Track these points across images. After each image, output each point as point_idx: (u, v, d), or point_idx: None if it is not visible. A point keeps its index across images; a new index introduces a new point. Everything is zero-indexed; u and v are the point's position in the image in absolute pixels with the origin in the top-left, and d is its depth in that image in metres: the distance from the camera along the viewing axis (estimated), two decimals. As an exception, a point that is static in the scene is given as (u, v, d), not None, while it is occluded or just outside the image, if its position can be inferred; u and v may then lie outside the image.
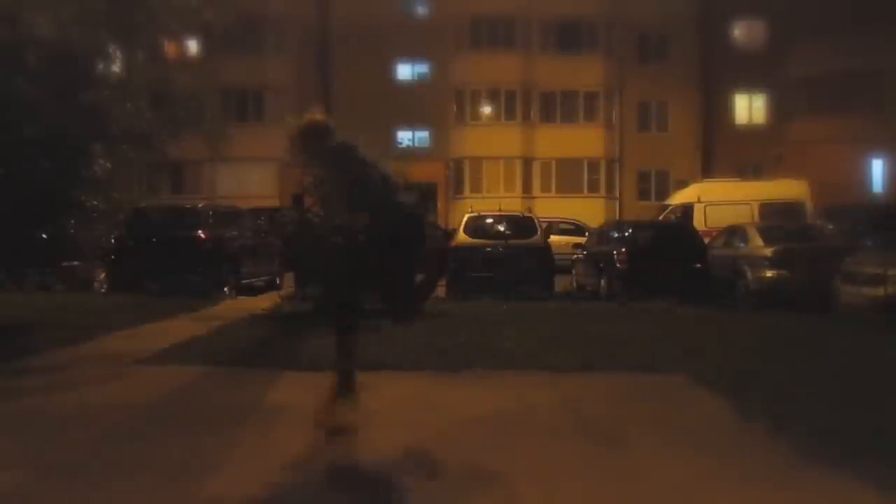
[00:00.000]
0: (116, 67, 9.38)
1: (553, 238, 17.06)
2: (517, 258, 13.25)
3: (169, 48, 10.01)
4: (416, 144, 30.74)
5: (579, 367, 6.28)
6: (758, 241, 13.17)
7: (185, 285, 12.24)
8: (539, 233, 14.30)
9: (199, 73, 11.01)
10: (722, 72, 29.55)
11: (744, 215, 17.42)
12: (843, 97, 27.64)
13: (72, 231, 11.09)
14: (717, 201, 18.97)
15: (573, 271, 16.16)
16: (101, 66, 8.93)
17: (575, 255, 16.39)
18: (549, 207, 26.50)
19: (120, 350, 7.13)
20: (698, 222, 18.03)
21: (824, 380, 5.75)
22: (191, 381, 5.98)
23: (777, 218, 17.28)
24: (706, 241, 14.87)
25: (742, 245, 13.67)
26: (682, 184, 24.53)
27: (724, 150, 29.25)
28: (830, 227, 15.11)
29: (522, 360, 6.28)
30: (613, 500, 3.55)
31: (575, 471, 3.90)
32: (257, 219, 16.67)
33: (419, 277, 4.88)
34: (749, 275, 12.71)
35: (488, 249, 13.43)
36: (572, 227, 22.95)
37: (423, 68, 30.88)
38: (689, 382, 5.82)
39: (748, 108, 31.03)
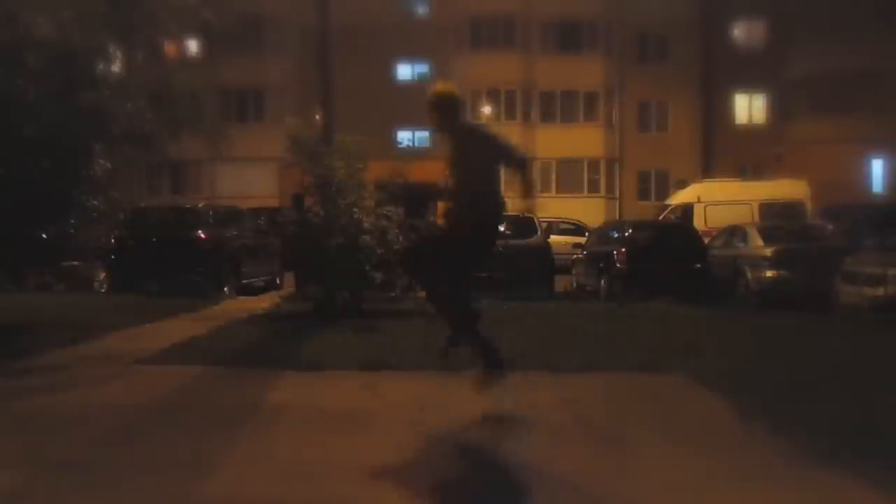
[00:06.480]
0: (116, 67, 9.38)
1: (553, 238, 17.09)
2: (517, 258, 13.24)
3: (169, 48, 10.02)
4: (416, 144, 30.75)
5: (579, 367, 6.27)
6: (758, 241, 13.19)
7: (185, 285, 12.25)
8: (539, 233, 14.30)
9: (199, 73, 11.01)
10: (722, 72, 29.59)
11: (744, 215, 17.46)
12: (843, 97, 27.66)
13: (72, 231, 11.10)
14: (717, 201, 19.00)
15: (573, 271, 16.17)
16: (101, 66, 8.93)
17: (575, 255, 16.40)
18: (549, 207, 26.51)
19: (120, 350, 7.13)
20: (698, 222, 18.05)
21: (824, 380, 5.75)
22: (191, 381, 5.98)
23: (777, 218, 17.31)
24: (706, 241, 14.88)
25: (742, 245, 13.68)
26: (682, 184, 24.57)
27: (724, 150, 29.28)
28: (830, 226, 15.13)
29: (522, 360, 6.27)
30: (613, 499, 3.55)
31: (575, 470, 3.90)
32: (257, 219, 16.69)
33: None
34: (749, 275, 12.72)
35: None
36: (572, 227, 22.97)
37: (423, 68, 30.91)
38: (689, 382, 5.81)
39: (748, 108, 31.06)
